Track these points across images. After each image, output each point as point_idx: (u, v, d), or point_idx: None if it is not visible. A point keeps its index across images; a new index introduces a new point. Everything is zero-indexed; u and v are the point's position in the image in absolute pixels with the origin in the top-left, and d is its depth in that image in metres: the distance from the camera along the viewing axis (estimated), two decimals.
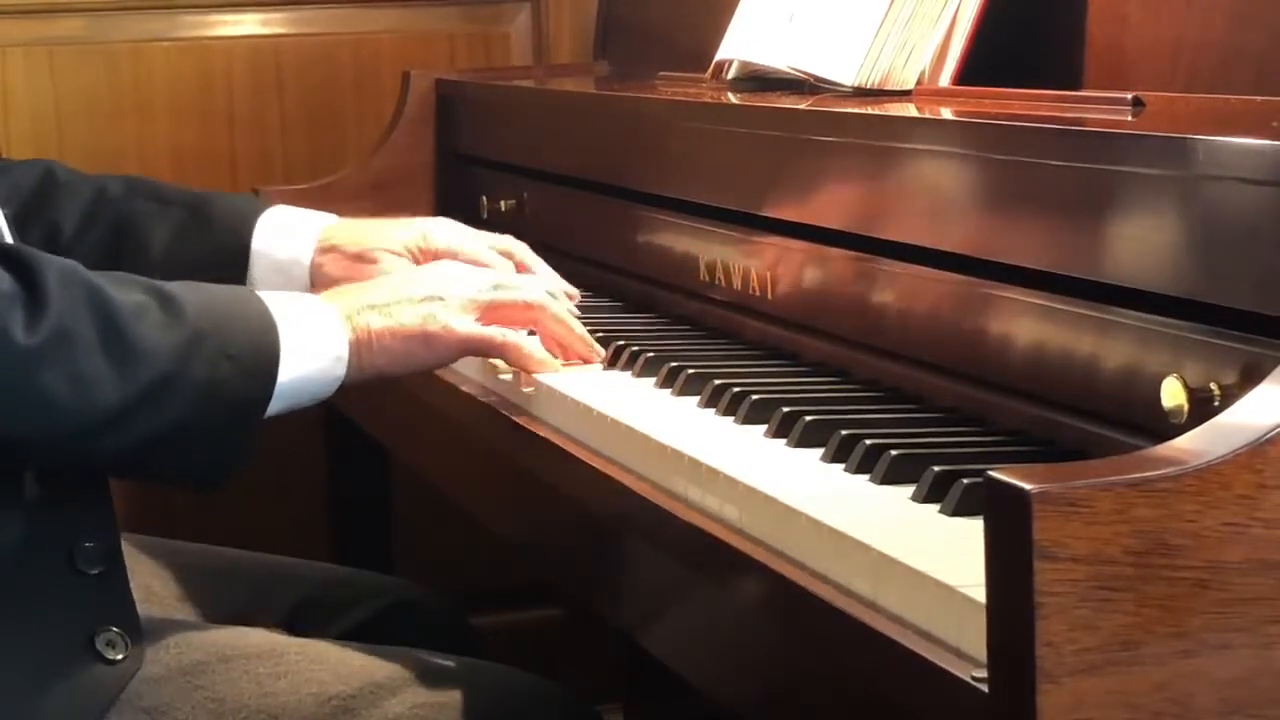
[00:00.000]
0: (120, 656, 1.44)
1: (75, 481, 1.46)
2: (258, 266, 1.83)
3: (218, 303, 1.46)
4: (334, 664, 1.51)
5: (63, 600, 1.44)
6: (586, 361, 1.69)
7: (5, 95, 2.74)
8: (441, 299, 1.57)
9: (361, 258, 1.82)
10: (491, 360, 1.69)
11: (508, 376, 1.68)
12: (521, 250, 1.84)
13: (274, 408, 1.46)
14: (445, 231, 1.85)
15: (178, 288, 1.45)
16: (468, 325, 1.57)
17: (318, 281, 1.81)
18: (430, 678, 1.51)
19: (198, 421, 1.41)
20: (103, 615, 1.45)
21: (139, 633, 1.46)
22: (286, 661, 1.50)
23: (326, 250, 1.83)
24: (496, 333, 1.60)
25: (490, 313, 1.60)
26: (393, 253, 1.81)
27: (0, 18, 2.76)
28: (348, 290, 1.59)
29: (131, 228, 1.84)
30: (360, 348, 1.52)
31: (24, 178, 1.85)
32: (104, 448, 1.39)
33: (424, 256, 1.81)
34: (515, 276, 1.70)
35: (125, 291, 1.41)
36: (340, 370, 1.51)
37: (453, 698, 1.50)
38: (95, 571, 1.45)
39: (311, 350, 1.49)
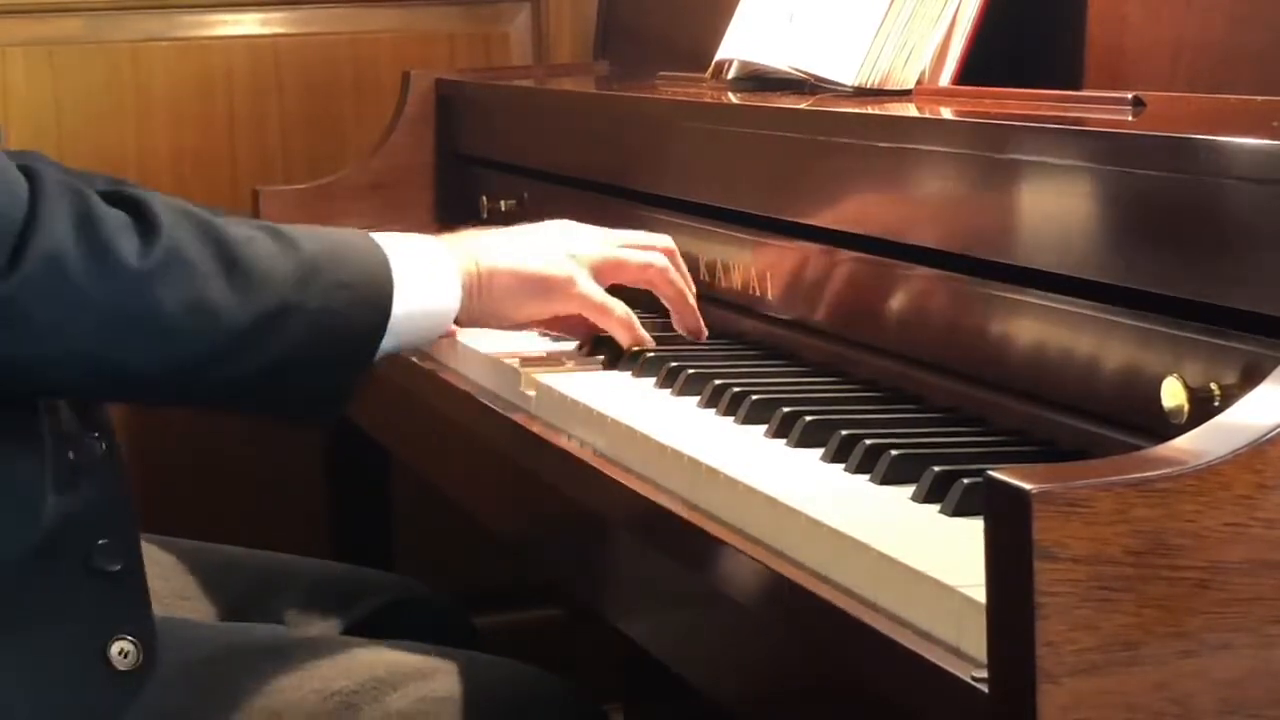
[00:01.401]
0: (131, 667, 1.42)
1: (94, 480, 1.45)
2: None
3: (329, 234, 1.46)
4: (337, 658, 1.52)
5: (77, 605, 1.42)
6: (693, 333, 1.71)
7: (5, 95, 2.74)
8: (567, 248, 1.59)
9: None
10: (497, 352, 1.70)
11: (509, 370, 1.68)
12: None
13: (388, 344, 1.46)
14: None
15: (284, 226, 1.45)
16: (591, 285, 1.59)
17: None
18: (432, 672, 1.52)
19: (314, 351, 1.41)
20: (118, 619, 1.42)
21: (153, 638, 1.44)
22: (290, 657, 1.51)
23: None
24: (618, 305, 1.62)
25: (610, 270, 1.63)
26: None
27: (0, 18, 2.76)
28: (464, 234, 1.61)
29: None
30: (480, 283, 1.53)
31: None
32: (222, 375, 1.39)
33: None
34: (639, 235, 1.71)
35: (234, 223, 1.42)
36: (454, 304, 1.51)
37: (455, 691, 1.50)
38: (113, 569, 1.43)
39: (424, 284, 1.49)
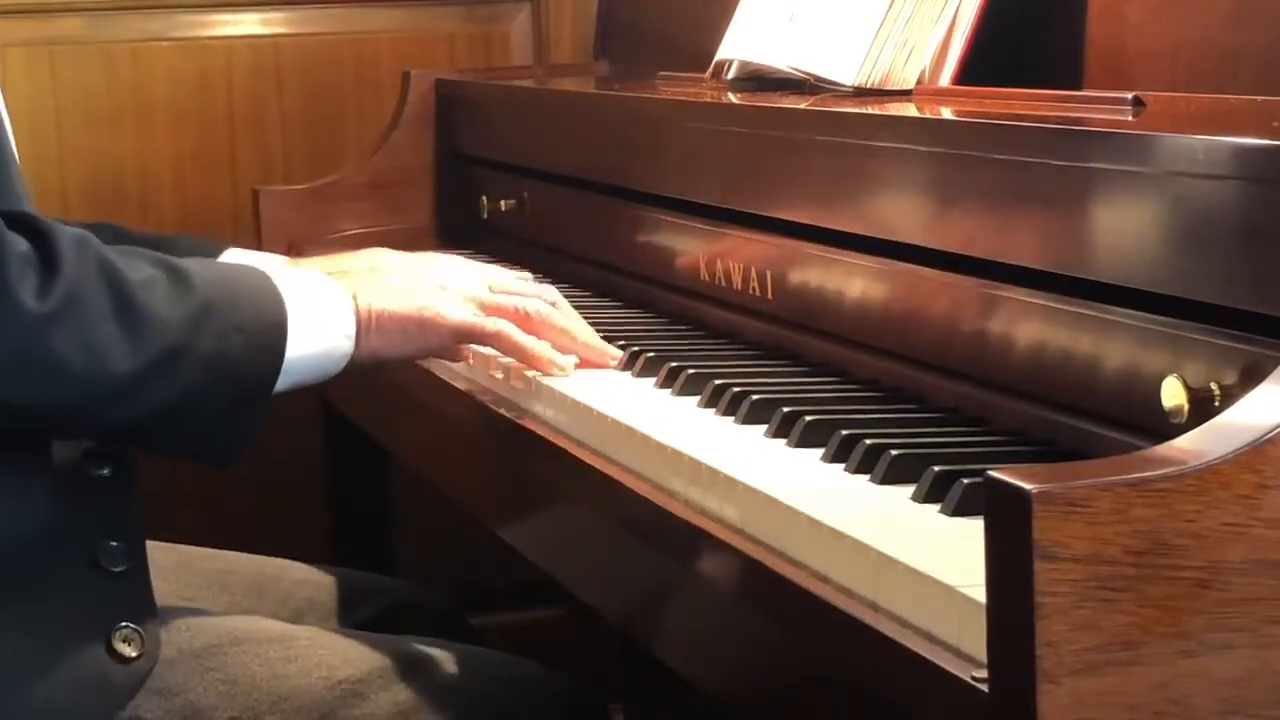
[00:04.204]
0: (136, 654, 1.44)
1: (102, 478, 1.47)
2: None
3: (226, 277, 1.47)
4: (343, 649, 1.53)
5: (82, 596, 1.44)
6: (600, 366, 1.68)
7: (5, 95, 2.73)
8: (443, 288, 1.59)
9: None
10: (490, 355, 1.69)
11: (498, 374, 1.68)
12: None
13: (283, 383, 1.47)
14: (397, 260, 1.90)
15: (186, 262, 1.46)
16: (460, 313, 1.58)
17: None
18: (438, 664, 1.54)
19: (208, 394, 1.42)
20: (122, 612, 1.45)
21: (156, 628, 1.47)
22: (296, 646, 1.52)
23: None
24: (488, 321, 1.60)
25: (488, 311, 1.61)
26: None
27: (0, 18, 2.76)
28: (356, 272, 1.61)
29: None
30: (370, 322, 1.53)
31: None
32: (115, 418, 1.40)
33: None
34: (519, 283, 1.69)
35: (134, 264, 1.42)
36: (348, 347, 1.52)
37: (460, 683, 1.52)
38: (119, 569, 1.46)
39: (320, 326, 1.50)
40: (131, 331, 1.39)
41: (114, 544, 1.46)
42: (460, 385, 1.77)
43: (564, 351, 1.66)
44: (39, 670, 1.41)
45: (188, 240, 1.92)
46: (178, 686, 1.46)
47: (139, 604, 1.47)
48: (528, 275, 1.91)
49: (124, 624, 1.45)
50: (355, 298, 1.54)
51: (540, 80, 2.69)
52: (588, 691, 1.63)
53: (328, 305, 1.52)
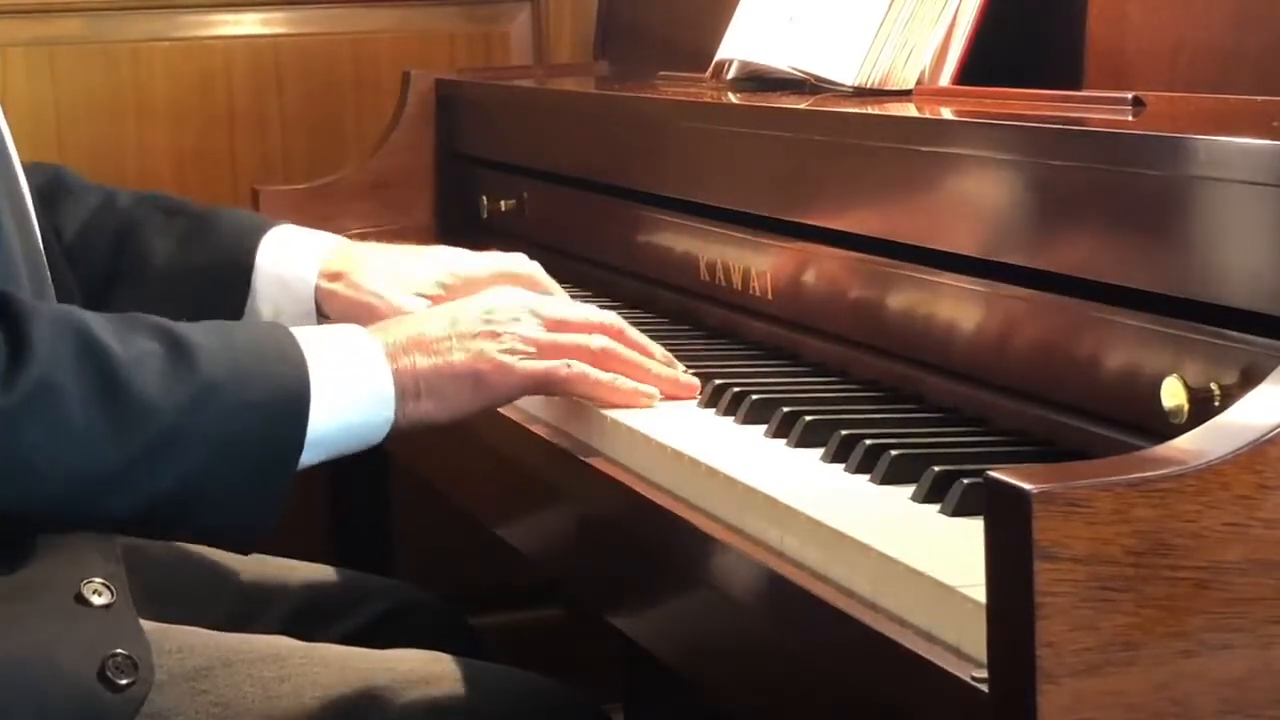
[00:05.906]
0: (129, 681, 1.39)
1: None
2: (260, 280, 1.76)
3: (240, 346, 1.37)
4: (338, 667, 1.50)
5: (71, 630, 1.40)
6: (678, 398, 1.53)
7: (5, 95, 2.74)
8: (495, 334, 1.45)
9: (377, 294, 1.72)
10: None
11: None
12: (537, 272, 1.74)
13: (312, 456, 1.37)
14: (469, 262, 1.75)
15: (195, 332, 1.36)
16: (525, 362, 1.45)
17: (322, 305, 1.73)
18: (435, 680, 1.50)
19: (217, 478, 1.33)
20: (112, 641, 1.41)
21: (148, 655, 1.42)
22: (290, 665, 1.49)
23: (335, 277, 1.73)
24: (559, 365, 1.46)
25: (545, 352, 1.47)
26: (418, 294, 1.71)
27: (0, 18, 2.76)
28: (391, 325, 1.47)
29: (134, 235, 1.79)
30: (406, 391, 1.41)
31: (33, 179, 1.77)
32: (110, 509, 1.32)
33: (451, 293, 1.70)
34: (573, 310, 1.53)
35: (130, 339, 1.33)
36: (388, 412, 1.40)
37: (458, 700, 1.49)
38: (104, 603, 1.42)
39: (352, 393, 1.39)
40: (116, 419, 1.30)
41: (97, 580, 1.42)
42: None
43: (646, 381, 1.53)
44: (33, 701, 1.37)
45: (234, 214, 1.84)
46: (169, 711, 1.43)
47: (128, 632, 1.42)
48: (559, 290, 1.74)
49: (116, 651, 1.40)
50: (395, 358, 1.41)
51: (540, 80, 2.69)
52: (591, 704, 1.62)
53: (362, 369, 1.40)
